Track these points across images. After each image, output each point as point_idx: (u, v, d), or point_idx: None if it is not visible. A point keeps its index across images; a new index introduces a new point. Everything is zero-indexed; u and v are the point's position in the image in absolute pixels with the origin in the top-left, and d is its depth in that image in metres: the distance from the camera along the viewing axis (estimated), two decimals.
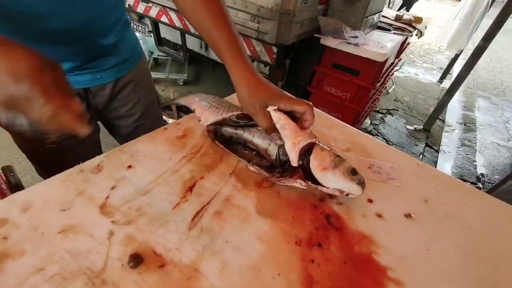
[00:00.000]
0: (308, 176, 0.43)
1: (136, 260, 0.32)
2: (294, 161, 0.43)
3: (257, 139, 0.49)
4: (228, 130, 0.51)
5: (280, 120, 0.44)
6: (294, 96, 0.47)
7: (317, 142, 0.44)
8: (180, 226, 0.37)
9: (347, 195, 0.42)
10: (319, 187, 0.42)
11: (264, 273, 0.34)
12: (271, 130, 0.45)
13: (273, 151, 0.48)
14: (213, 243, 0.36)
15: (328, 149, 0.44)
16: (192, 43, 2.16)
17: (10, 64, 0.30)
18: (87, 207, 0.37)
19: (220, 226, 0.38)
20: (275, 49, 1.59)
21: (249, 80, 0.44)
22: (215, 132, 0.52)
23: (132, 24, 1.58)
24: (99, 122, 0.74)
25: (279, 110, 0.44)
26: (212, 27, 0.46)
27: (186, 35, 2.04)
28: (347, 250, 0.38)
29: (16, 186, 0.59)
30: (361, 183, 0.42)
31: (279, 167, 0.46)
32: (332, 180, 0.41)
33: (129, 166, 0.44)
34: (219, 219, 0.39)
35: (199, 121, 0.54)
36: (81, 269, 0.31)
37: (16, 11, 0.41)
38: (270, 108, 0.44)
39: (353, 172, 0.42)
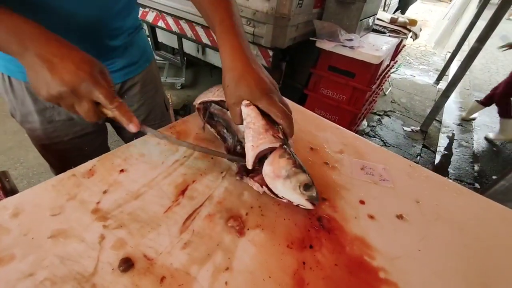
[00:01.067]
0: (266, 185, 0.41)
1: (127, 264, 0.32)
2: (249, 163, 0.41)
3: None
4: (215, 108, 0.53)
5: (247, 117, 0.41)
6: (282, 98, 0.43)
7: (281, 146, 0.40)
8: (172, 230, 0.37)
9: (298, 205, 0.40)
10: (275, 197, 0.41)
11: (255, 276, 0.34)
12: (239, 123, 0.43)
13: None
14: (205, 246, 0.36)
15: (288, 156, 0.40)
16: (189, 47, 2.17)
17: (75, 65, 0.35)
18: (79, 211, 0.37)
19: (212, 229, 0.38)
20: (271, 53, 1.60)
21: (235, 65, 0.41)
22: (205, 109, 0.52)
23: None
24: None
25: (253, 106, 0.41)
26: (208, 6, 0.46)
27: (183, 40, 2.05)
28: (339, 252, 0.38)
29: (11, 192, 0.59)
30: (313, 199, 0.39)
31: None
32: (280, 189, 0.40)
33: (122, 170, 0.44)
34: (211, 222, 0.39)
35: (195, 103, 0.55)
36: (71, 274, 0.31)
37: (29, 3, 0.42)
38: (243, 102, 0.41)
39: (305, 187, 0.39)
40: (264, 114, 0.41)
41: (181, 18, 1.79)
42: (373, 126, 2.65)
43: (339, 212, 0.44)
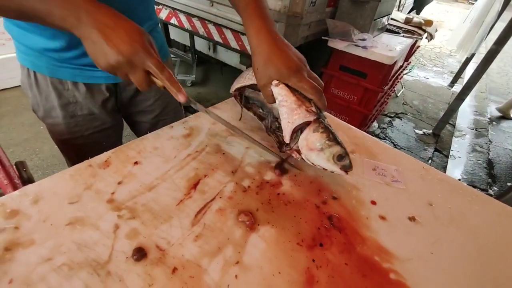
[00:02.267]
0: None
1: (140, 253, 0.33)
2: (286, 138, 0.45)
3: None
4: (249, 91, 0.56)
5: (279, 95, 0.44)
6: (311, 73, 0.45)
7: (315, 120, 0.43)
8: (184, 222, 0.38)
9: (332, 171, 0.44)
10: (310, 163, 0.45)
11: (265, 271, 0.34)
12: (271, 103, 0.46)
13: None
14: (216, 239, 0.36)
15: (322, 130, 0.43)
16: (201, 45, 2.19)
17: (128, 35, 0.36)
18: (95, 201, 0.38)
19: (223, 223, 0.39)
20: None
21: (262, 47, 0.43)
22: (240, 95, 0.55)
23: None
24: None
25: (283, 85, 0.44)
26: None
27: (195, 37, 2.07)
28: (349, 251, 0.38)
29: (28, 181, 0.61)
30: (346, 168, 0.43)
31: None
32: (315, 160, 0.43)
33: (136, 162, 0.45)
34: (222, 216, 0.40)
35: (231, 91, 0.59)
36: (87, 260, 0.32)
37: None
38: (273, 82, 0.44)
39: (339, 158, 0.42)
40: (295, 90, 0.44)
41: (194, 16, 1.81)
42: (384, 128, 2.61)
43: (350, 212, 0.43)
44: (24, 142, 1.77)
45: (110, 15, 0.37)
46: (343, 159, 0.43)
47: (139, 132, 0.82)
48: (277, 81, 0.43)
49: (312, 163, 0.44)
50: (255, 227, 0.39)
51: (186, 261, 0.34)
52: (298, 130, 0.44)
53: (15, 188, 0.55)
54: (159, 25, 0.71)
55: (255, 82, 0.47)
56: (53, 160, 1.69)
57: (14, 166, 0.62)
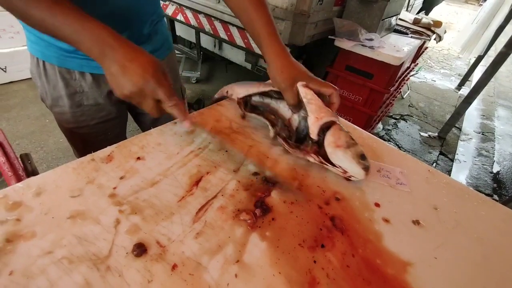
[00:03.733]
0: (321, 155, 0.47)
1: (140, 249, 0.33)
2: (314, 133, 0.46)
3: (282, 109, 0.54)
4: (256, 100, 0.57)
5: (307, 95, 0.48)
6: (321, 80, 0.51)
7: (338, 122, 0.48)
8: (185, 219, 0.38)
9: (349, 177, 0.45)
10: (328, 166, 0.46)
11: (265, 270, 0.34)
12: (297, 107, 0.50)
13: (295, 122, 0.53)
14: (216, 237, 0.36)
15: (346, 131, 0.47)
16: (206, 42, 2.18)
17: (141, 68, 0.40)
18: (96, 195, 0.38)
19: (224, 221, 0.38)
20: (288, 50, 1.59)
21: (283, 59, 0.50)
22: (245, 103, 0.56)
23: None
24: None
25: (307, 87, 0.49)
26: (251, 9, 0.52)
27: (201, 34, 2.07)
28: (351, 253, 0.37)
29: (32, 173, 0.62)
30: (367, 169, 0.44)
31: (296, 137, 0.51)
32: (341, 159, 0.44)
33: (138, 158, 0.45)
34: (223, 214, 0.39)
35: (231, 95, 0.59)
36: (87, 254, 0.32)
37: None
38: (299, 83, 0.48)
39: (362, 157, 0.44)
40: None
41: (200, 12, 1.80)
42: (389, 129, 2.58)
43: (353, 214, 0.43)
44: (30, 135, 1.79)
45: (130, 50, 0.41)
46: (365, 159, 0.44)
47: (142, 124, 0.83)
48: (304, 83, 0.49)
49: (334, 164, 0.45)
50: (256, 226, 0.38)
51: (186, 258, 0.33)
52: (324, 129, 0.47)
53: (19, 180, 0.55)
54: (165, 18, 0.72)
55: (266, 90, 0.53)
56: (58, 153, 1.70)
57: (19, 158, 0.63)
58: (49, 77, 0.59)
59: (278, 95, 0.54)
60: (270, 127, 0.53)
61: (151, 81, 0.41)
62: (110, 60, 0.40)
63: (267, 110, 0.57)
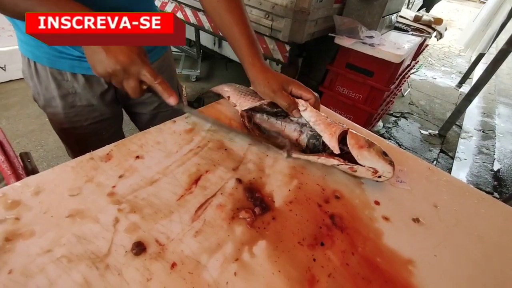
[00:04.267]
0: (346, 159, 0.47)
1: (139, 247, 0.33)
2: (336, 148, 0.46)
3: (288, 130, 0.54)
4: (260, 118, 0.56)
5: (311, 117, 0.49)
6: (304, 86, 0.53)
7: (349, 129, 0.48)
8: (184, 218, 0.38)
9: (379, 177, 0.45)
10: (355, 166, 0.45)
11: (264, 269, 0.34)
12: (292, 106, 0.50)
13: (303, 141, 0.53)
14: (215, 235, 0.36)
15: (359, 134, 0.47)
16: (206, 40, 2.18)
17: (127, 48, 0.40)
18: (95, 194, 0.38)
19: (223, 220, 0.38)
20: (287, 47, 1.58)
21: (265, 74, 0.52)
22: (249, 117, 0.55)
23: None
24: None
25: (291, 94, 0.51)
26: (234, 29, 0.53)
27: (200, 32, 2.06)
28: (351, 251, 0.37)
29: (32, 172, 0.62)
30: (392, 164, 0.44)
31: (308, 151, 0.51)
32: (368, 158, 0.44)
33: (137, 156, 0.45)
34: (222, 212, 0.39)
35: (234, 106, 0.58)
36: (86, 253, 0.32)
37: None
38: (300, 108, 0.50)
39: (384, 154, 0.45)
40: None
41: (200, 10, 1.79)
42: (389, 127, 2.58)
43: (353, 212, 0.43)
44: (30, 134, 1.79)
45: None
46: (387, 155, 0.45)
47: (139, 123, 0.82)
48: (304, 108, 0.50)
49: (363, 164, 0.45)
50: (256, 224, 0.38)
51: (185, 256, 0.33)
52: (341, 139, 0.47)
53: (18, 178, 0.55)
54: None
55: (265, 101, 0.53)
56: (58, 152, 1.70)
57: (19, 157, 0.63)
58: (41, 78, 0.59)
59: (285, 114, 0.53)
60: (280, 151, 0.51)
61: (137, 60, 0.41)
62: None
63: (273, 134, 0.55)
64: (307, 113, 0.50)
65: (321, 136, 0.48)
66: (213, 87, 0.66)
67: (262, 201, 0.42)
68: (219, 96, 0.66)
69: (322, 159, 0.47)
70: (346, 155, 0.46)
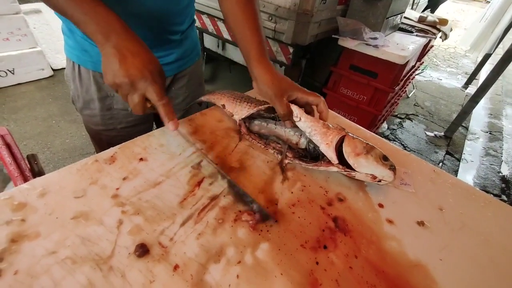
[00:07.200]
0: (344, 165, 0.46)
1: (142, 249, 0.33)
2: (334, 159, 0.45)
3: (288, 133, 0.53)
4: (258, 124, 0.55)
5: (307, 128, 0.48)
6: (308, 90, 0.52)
7: (347, 133, 0.47)
8: (186, 220, 0.38)
9: (379, 181, 0.44)
10: (353, 172, 0.44)
11: (267, 271, 0.33)
12: (288, 116, 0.49)
13: (302, 145, 0.52)
14: (218, 238, 0.36)
15: (358, 139, 0.46)
16: (210, 42, 2.19)
17: (142, 64, 0.40)
18: (99, 196, 0.39)
19: (226, 222, 0.38)
20: (291, 49, 1.58)
21: (271, 74, 0.51)
22: (246, 126, 0.55)
23: None
24: None
25: (294, 103, 0.50)
26: (246, 29, 0.54)
27: (204, 34, 2.07)
28: (354, 255, 0.37)
29: (38, 174, 0.63)
30: (393, 169, 0.43)
31: (309, 157, 0.50)
32: (365, 165, 0.43)
33: (141, 159, 0.46)
34: (225, 215, 0.39)
35: (232, 116, 0.57)
36: (90, 255, 0.32)
37: None
38: (295, 119, 0.49)
39: (384, 158, 0.44)
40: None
41: (203, 13, 1.81)
42: (394, 129, 2.55)
43: (356, 214, 0.42)
44: (37, 136, 1.81)
45: (136, 43, 0.41)
46: (388, 159, 0.44)
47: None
48: (298, 118, 0.49)
49: (360, 171, 0.44)
50: (258, 227, 0.38)
51: (188, 259, 0.33)
52: (337, 148, 0.46)
53: (25, 180, 0.56)
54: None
55: (262, 107, 0.53)
56: (64, 154, 1.72)
57: (26, 159, 0.64)
58: (83, 80, 0.62)
59: (275, 113, 0.52)
60: (278, 155, 0.51)
61: (148, 78, 0.41)
62: (112, 45, 0.40)
63: (272, 138, 0.54)
64: (302, 124, 0.49)
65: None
66: (211, 92, 0.64)
67: (262, 209, 0.41)
68: (207, 105, 0.64)
69: (322, 168, 0.47)
70: (345, 160, 0.46)
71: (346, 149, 0.45)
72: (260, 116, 0.55)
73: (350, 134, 0.47)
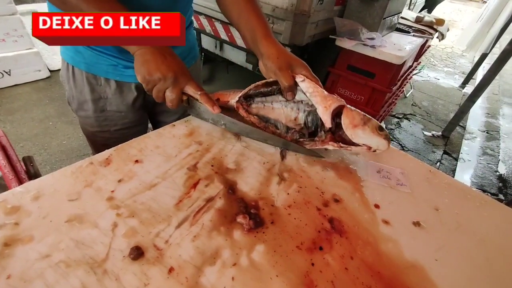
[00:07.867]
0: (337, 140, 0.49)
1: (137, 252, 0.33)
2: (328, 122, 0.47)
3: (286, 110, 0.53)
4: (256, 106, 0.55)
5: (309, 88, 0.49)
6: (312, 73, 0.53)
7: (346, 105, 0.48)
8: (182, 222, 0.37)
9: (374, 151, 0.46)
10: (349, 147, 0.47)
11: (262, 273, 0.33)
12: (292, 88, 0.50)
13: (301, 120, 0.53)
14: (213, 240, 0.36)
15: (356, 110, 0.47)
16: (207, 43, 2.19)
17: (181, 63, 0.47)
18: (94, 198, 0.38)
19: (221, 224, 0.38)
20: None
21: (277, 49, 0.53)
22: (244, 108, 0.55)
23: None
24: None
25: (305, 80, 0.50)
26: (251, 15, 0.56)
27: (202, 35, 2.07)
28: (350, 256, 0.37)
29: (34, 176, 0.62)
30: (388, 138, 0.46)
31: (307, 132, 0.51)
32: (362, 137, 0.45)
33: (137, 161, 0.45)
34: (221, 217, 0.39)
35: (227, 102, 0.57)
36: (84, 258, 0.32)
37: None
38: (298, 78, 0.50)
39: (380, 129, 0.45)
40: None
41: (201, 14, 1.81)
42: (391, 129, 2.56)
43: (352, 215, 0.42)
44: (33, 137, 1.80)
45: (168, 49, 0.47)
46: (383, 129, 0.46)
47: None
48: (302, 78, 0.50)
49: (357, 142, 0.46)
50: (254, 229, 0.38)
51: (183, 261, 0.33)
52: (334, 116, 0.48)
53: (21, 182, 0.56)
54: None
55: (258, 83, 0.53)
56: (61, 156, 1.72)
57: (22, 161, 0.64)
58: (77, 81, 0.62)
59: (279, 92, 0.53)
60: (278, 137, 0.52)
61: (187, 73, 0.47)
62: (148, 48, 0.44)
63: (271, 121, 0.54)
64: (305, 84, 0.49)
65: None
66: (215, 91, 0.64)
67: (257, 215, 0.40)
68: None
69: (318, 146, 0.49)
70: (339, 133, 0.48)
71: (345, 121, 0.46)
72: (258, 95, 0.55)
73: (348, 106, 0.48)
